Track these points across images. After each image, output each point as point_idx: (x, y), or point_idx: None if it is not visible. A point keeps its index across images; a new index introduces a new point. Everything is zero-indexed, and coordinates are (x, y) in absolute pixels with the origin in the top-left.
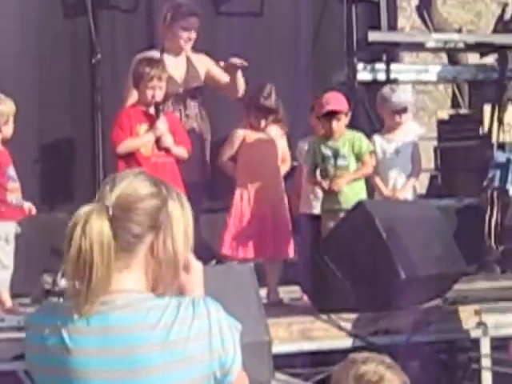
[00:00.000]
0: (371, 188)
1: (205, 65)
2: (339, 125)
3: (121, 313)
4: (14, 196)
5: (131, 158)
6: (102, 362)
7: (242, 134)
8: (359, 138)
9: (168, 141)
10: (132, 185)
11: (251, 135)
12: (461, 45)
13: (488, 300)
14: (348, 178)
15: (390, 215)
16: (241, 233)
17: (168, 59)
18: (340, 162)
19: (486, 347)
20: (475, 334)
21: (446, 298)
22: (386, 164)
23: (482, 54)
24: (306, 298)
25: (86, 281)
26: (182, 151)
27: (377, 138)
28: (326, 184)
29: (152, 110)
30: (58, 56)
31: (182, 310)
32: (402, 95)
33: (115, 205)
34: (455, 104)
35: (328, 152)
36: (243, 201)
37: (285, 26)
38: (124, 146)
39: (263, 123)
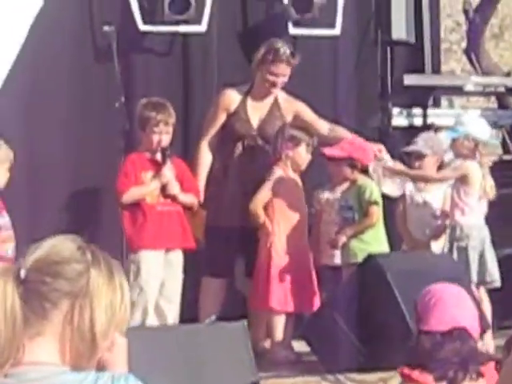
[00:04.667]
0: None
1: (294, 109)
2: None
3: None
4: (7, 246)
5: (136, 207)
6: None
7: (279, 176)
8: (366, 186)
9: (174, 188)
10: (54, 248)
11: (287, 178)
12: (501, 88)
13: None
14: (347, 233)
15: (405, 269)
16: (282, 285)
17: (250, 100)
18: (345, 213)
19: None
20: None
21: None
22: (413, 213)
23: None
24: None
25: None
26: (190, 199)
27: (408, 185)
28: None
29: (158, 156)
30: (90, 99)
31: None
32: (419, 141)
33: (31, 267)
34: (506, 149)
35: (342, 203)
36: (267, 250)
37: (322, 73)
38: (129, 196)
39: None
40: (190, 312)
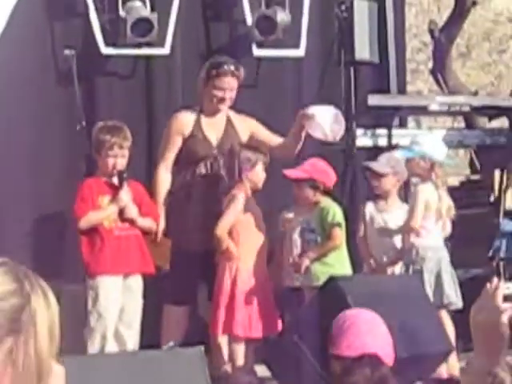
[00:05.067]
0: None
1: (249, 127)
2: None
3: None
4: None
5: (94, 232)
6: None
7: (242, 199)
8: (328, 208)
9: (132, 212)
10: None
11: (249, 200)
12: (467, 108)
13: None
14: (310, 256)
15: (367, 292)
16: (247, 311)
17: (204, 119)
18: (308, 236)
19: None
20: None
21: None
22: (373, 235)
23: (491, 118)
24: None
25: None
26: (148, 223)
27: (369, 205)
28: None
29: (115, 180)
30: (51, 123)
31: None
32: (381, 160)
33: None
34: (473, 169)
35: (304, 225)
36: (231, 274)
37: (286, 94)
38: (86, 221)
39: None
40: (150, 338)
